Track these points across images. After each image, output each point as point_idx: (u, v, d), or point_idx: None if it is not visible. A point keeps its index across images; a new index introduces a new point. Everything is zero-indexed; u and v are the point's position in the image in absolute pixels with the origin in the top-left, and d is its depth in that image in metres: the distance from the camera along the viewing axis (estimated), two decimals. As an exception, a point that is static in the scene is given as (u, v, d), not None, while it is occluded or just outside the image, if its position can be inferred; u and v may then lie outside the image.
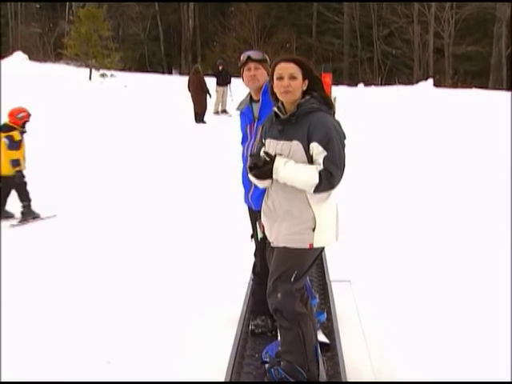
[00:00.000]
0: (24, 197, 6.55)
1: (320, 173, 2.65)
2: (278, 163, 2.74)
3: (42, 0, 40.31)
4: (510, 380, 3.10)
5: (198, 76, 16.31)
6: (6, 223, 6.40)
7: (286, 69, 2.77)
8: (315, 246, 2.77)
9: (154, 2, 38.99)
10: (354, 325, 3.71)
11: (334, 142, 2.68)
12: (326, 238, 2.81)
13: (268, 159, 2.77)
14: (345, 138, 2.77)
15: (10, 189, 6.53)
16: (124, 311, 4.03)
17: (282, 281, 2.79)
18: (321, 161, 2.67)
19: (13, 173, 6.44)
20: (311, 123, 2.71)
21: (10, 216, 6.53)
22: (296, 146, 2.72)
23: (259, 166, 2.76)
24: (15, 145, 6.47)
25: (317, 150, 2.68)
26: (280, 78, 2.77)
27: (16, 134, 6.49)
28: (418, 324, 3.82)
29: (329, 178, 2.66)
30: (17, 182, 6.48)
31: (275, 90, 2.81)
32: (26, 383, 3.10)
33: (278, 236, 2.83)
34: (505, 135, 11.74)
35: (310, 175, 2.67)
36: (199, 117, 15.82)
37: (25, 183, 6.56)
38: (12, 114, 6.54)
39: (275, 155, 2.78)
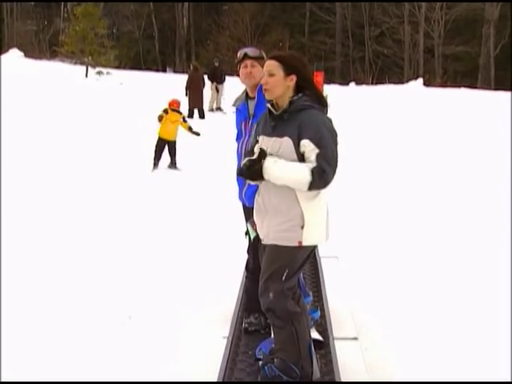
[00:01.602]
0: (175, 153, 9.39)
1: (312, 170, 2.61)
2: (268, 163, 2.71)
3: (38, -1, 40.58)
4: (510, 380, 3.08)
5: (198, 73, 16.82)
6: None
7: (266, 66, 2.79)
8: (304, 244, 2.75)
9: (149, 1, 39.37)
10: (346, 317, 3.80)
11: (326, 139, 2.65)
12: (315, 236, 2.78)
13: (255, 158, 2.76)
14: (337, 135, 2.74)
15: (163, 149, 9.30)
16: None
17: (273, 280, 2.78)
18: (313, 158, 2.64)
19: (175, 138, 9.32)
20: (302, 120, 2.68)
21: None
22: (286, 142, 2.69)
23: (248, 167, 2.76)
24: (185, 120, 9.58)
25: (309, 147, 2.65)
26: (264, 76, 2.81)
27: (184, 115, 9.74)
28: (409, 314, 3.91)
29: (322, 176, 2.62)
30: (175, 145, 9.38)
31: None
32: (26, 383, 3.09)
33: (268, 233, 2.81)
34: (493, 133, 12.09)
35: (301, 173, 2.63)
36: (200, 112, 16.30)
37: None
38: (174, 103, 9.47)
39: (264, 155, 2.76)
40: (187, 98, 16.36)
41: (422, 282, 4.49)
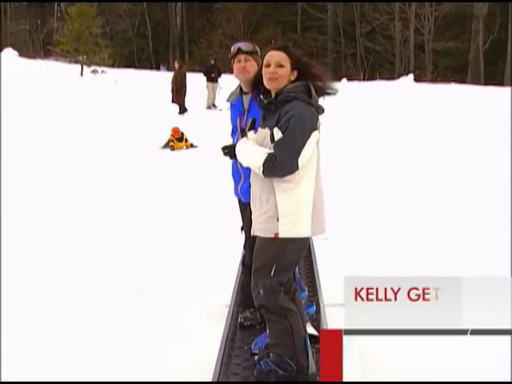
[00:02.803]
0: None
1: (267, 156, 2.64)
2: (239, 143, 2.83)
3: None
4: (510, 380, 3.05)
5: (182, 71, 17.26)
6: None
7: (274, 56, 2.75)
8: (281, 235, 2.71)
9: (142, 0, 39.60)
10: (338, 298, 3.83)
11: (291, 128, 2.63)
12: (294, 228, 2.71)
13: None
14: (315, 129, 2.70)
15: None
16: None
17: (261, 275, 2.79)
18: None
19: (184, 147, 11.06)
20: (282, 111, 2.68)
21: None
22: (266, 132, 2.71)
23: (228, 146, 2.95)
24: (187, 140, 11.21)
25: (277, 135, 2.66)
26: (267, 66, 2.75)
27: (189, 143, 11.23)
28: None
29: (272, 162, 2.62)
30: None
31: (263, 77, 2.78)
32: (26, 383, 3.08)
33: (255, 224, 2.83)
34: (483, 128, 12.29)
35: (257, 157, 2.68)
36: (183, 107, 16.70)
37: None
38: (175, 132, 11.09)
39: (244, 134, 2.89)
40: (171, 94, 16.74)
41: (415, 262, 4.67)
